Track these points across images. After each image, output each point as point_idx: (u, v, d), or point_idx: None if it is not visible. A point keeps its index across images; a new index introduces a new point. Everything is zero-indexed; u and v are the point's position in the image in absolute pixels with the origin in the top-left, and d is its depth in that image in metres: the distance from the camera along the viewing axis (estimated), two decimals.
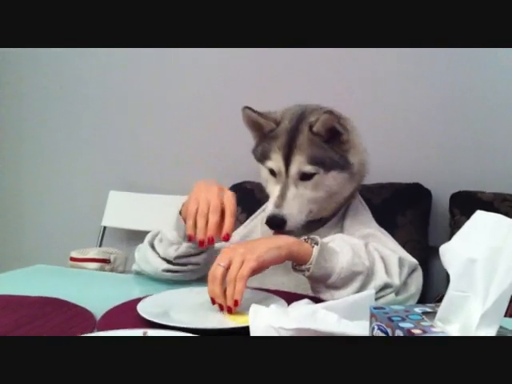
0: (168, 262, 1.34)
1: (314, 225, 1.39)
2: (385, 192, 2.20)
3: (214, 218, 1.14)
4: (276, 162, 1.36)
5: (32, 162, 3.14)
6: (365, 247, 1.18)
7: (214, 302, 1.07)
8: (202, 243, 1.14)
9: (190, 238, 1.18)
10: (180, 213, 1.31)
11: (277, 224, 1.31)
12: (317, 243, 1.12)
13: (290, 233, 1.30)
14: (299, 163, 1.33)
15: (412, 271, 1.23)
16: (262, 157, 1.41)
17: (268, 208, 1.35)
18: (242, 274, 1.04)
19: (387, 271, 1.16)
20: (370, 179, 2.15)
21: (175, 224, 1.33)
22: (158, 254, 1.36)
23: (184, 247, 1.31)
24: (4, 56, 3.06)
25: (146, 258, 1.39)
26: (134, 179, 2.89)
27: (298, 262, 1.12)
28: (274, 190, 1.37)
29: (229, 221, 1.15)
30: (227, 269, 1.05)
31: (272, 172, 1.39)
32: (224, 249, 1.11)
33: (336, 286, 1.12)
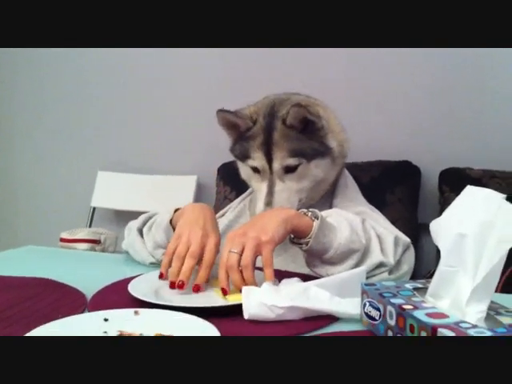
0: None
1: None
2: (374, 170, 2.20)
3: (188, 264, 1.09)
4: (258, 160, 1.36)
5: (21, 143, 3.12)
6: (361, 224, 1.18)
7: (226, 292, 1.03)
8: (172, 285, 1.08)
9: (161, 276, 1.13)
10: (171, 221, 1.30)
11: None
12: (317, 217, 1.11)
13: None
14: (281, 158, 1.33)
15: (405, 250, 1.24)
16: (242, 156, 1.41)
17: (258, 206, 1.34)
18: (267, 259, 1.03)
19: (382, 250, 1.16)
20: (359, 157, 2.17)
21: (165, 226, 1.30)
22: (145, 245, 1.36)
23: None
24: None
25: (134, 247, 1.39)
26: (122, 159, 2.88)
27: (297, 236, 1.12)
28: (260, 187, 1.37)
29: (203, 272, 1.09)
30: (240, 254, 1.03)
31: (255, 169, 1.39)
32: (231, 234, 1.09)
33: (332, 262, 1.13)
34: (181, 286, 1.06)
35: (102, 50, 2.81)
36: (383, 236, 1.19)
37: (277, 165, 1.34)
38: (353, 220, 1.18)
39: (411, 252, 1.26)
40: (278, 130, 1.34)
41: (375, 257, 1.14)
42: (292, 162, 1.33)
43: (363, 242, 1.14)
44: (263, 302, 0.90)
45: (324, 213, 1.18)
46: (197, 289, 1.07)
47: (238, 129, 1.41)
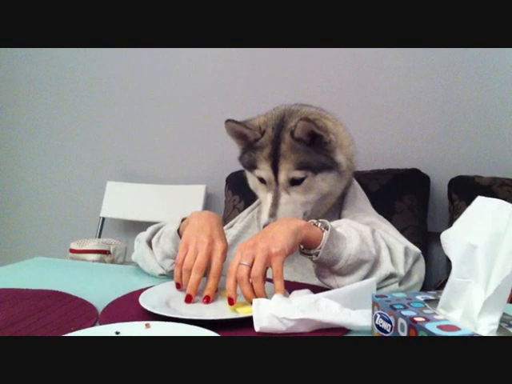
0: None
1: None
2: (383, 178, 2.19)
3: (194, 278, 1.09)
4: (265, 171, 1.36)
5: (30, 153, 3.13)
6: (372, 234, 1.17)
7: (232, 302, 1.03)
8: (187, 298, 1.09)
9: (178, 286, 1.14)
10: (178, 231, 1.30)
11: None
12: (327, 228, 1.11)
13: None
14: (287, 170, 1.33)
15: (415, 261, 1.23)
16: (249, 166, 1.41)
17: (262, 218, 1.35)
18: (277, 271, 1.02)
19: (392, 260, 1.16)
20: (368, 166, 2.17)
21: (173, 236, 1.31)
22: (154, 256, 1.37)
23: None
24: None
25: (144, 258, 1.40)
26: (131, 169, 2.89)
27: (307, 246, 1.11)
28: (265, 198, 1.37)
29: (211, 282, 1.10)
30: (251, 266, 1.03)
31: (261, 180, 1.39)
32: (241, 245, 1.08)
33: (342, 273, 1.12)
34: (188, 300, 1.07)
35: (113, 61, 2.84)
36: (393, 246, 1.19)
37: (283, 176, 1.34)
38: (363, 231, 1.17)
39: (421, 263, 1.25)
40: (286, 141, 1.34)
41: (385, 268, 1.13)
42: (298, 174, 1.33)
43: (373, 252, 1.13)
44: (274, 314, 0.90)
45: (334, 223, 1.18)
46: (207, 300, 1.08)
47: (247, 139, 1.41)
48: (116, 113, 2.91)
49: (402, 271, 1.15)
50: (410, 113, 2.32)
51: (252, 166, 1.40)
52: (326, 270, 1.14)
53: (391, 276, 1.14)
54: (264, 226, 1.29)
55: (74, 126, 3.00)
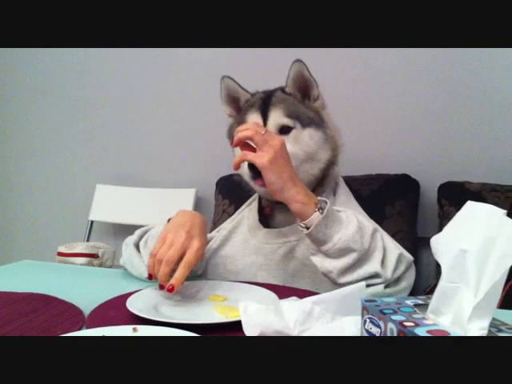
0: None
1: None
2: (373, 183, 2.20)
3: (163, 271, 1.10)
4: (254, 119, 1.37)
5: (18, 156, 3.12)
6: (372, 231, 1.17)
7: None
8: (161, 287, 1.11)
9: (150, 277, 1.15)
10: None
11: (256, 172, 1.25)
12: (322, 208, 1.11)
13: None
14: (277, 117, 1.35)
15: (407, 268, 1.23)
16: (238, 125, 1.41)
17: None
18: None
19: (383, 262, 1.16)
20: (359, 170, 2.17)
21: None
22: (142, 258, 1.36)
23: None
24: None
25: (131, 261, 1.39)
26: (121, 172, 2.88)
27: (301, 217, 1.12)
28: None
29: (179, 272, 1.10)
30: None
31: None
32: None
33: (328, 254, 1.12)
34: (161, 288, 1.10)
35: (102, 64, 2.83)
36: (388, 249, 1.19)
37: (272, 121, 1.35)
38: (366, 225, 1.17)
39: (412, 270, 1.25)
40: (277, 95, 1.38)
41: (372, 266, 1.14)
42: (287, 121, 1.35)
43: (365, 245, 1.13)
44: (267, 325, 0.88)
45: (341, 208, 1.20)
46: (171, 289, 1.07)
47: (238, 103, 1.45)
48: (106, 116, 2.90)
49: (388, 274, 1.15)
50: (399, 118, 2.33)
51: (241, 123, 1.39)
52: (316, 248, 1.14)
53: (376, 276, 1.14)
54: (249, 165, 1.27)
55: (63, 128, 2.99)
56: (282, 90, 1.39)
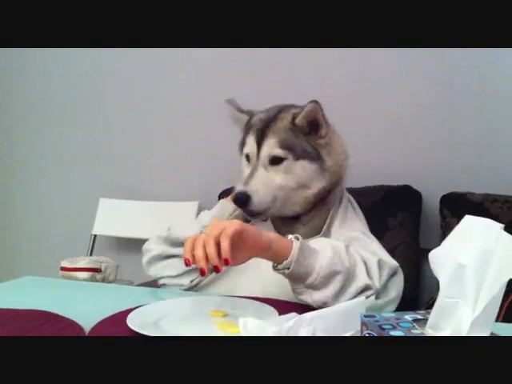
0: None
1: (289, 221, 1.40)
2: (375, 194, 2.20)
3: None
4: (250, 145, 1.38)
5: (22, 169, 3.13)
6: (345, 249, 1.18)
7: (188, 263, 1.06)
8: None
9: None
10: None
11: (242, 200, 1.30)
12: (297, 238, 1.12)
13: (257, 214, 1.34)
14: (270, 146, 1.34)
15: (392, 274, 1.23)
16: (241, 145, 1.44)
17: (236, 186, 1.35)
18: (225, 232, 1.03)
19: (368, 273, 1.16)
20: (360, 182, 2.17)
21: (216, 209, 1.44)
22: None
23: None
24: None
25: (188, 225, 1.43)
26: (124, 186, 2.88)
27: (276, 259, 1.11)
28: (244, 172, 1.39)
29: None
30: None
31: (247, 158, 1.41)
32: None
33: (315, 286, 1.12)
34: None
35: (106, 74, 2.84)
36: (367, 260, 1.20)
37: (264, 151, 1.35)
38: (336, 245, 1.18)
39: (399, 277, 1.25)
40: (283, 121, 1.37)
41: (360, 280, 1.14)
42: (279, 152, 1.34)
43: (346, 264, 1.14)
44: None
45: (310, 240, 1.20)
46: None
47: (243, 122, 1.45)
48: (109, 130, 2.91)
49: (377, 284, 1.16)
50: (401, 128, 2.33)
51: (242, 145, 1.43)
52: (301, 285, 1.14)
53: (367, 288, 1.15)
54: (235, 195, 1.31)
55: (66, 142, 3.00)
56: (294, 117, 1.36)
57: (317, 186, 1.38)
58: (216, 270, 1.04)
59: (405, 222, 2.15)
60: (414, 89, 2.29)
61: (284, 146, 1.34)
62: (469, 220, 0.81)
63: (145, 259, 1.45)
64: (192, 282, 1.40)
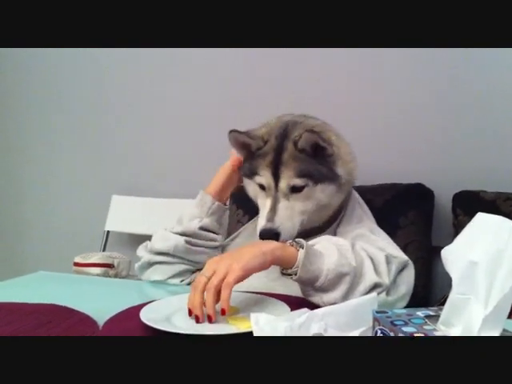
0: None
1: (309, 233, 1.39)
2: (387, 193, 2.19)
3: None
4: (265, 178, 1.38)
5: (34, 166, 3.14)
6: (351, 248, 1.19)
7: (191, 313, 1.04)
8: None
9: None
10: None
11: (270, 238, 1.29)
12: (302, 246, 1.12)
13: None
14: (288, 178, 1.35)
15: (402, 269, 1.23)
16: (250, 173, 1.43)
17: (260, 223, 1.35)
18: (227, 281, 1.03)
19: (376, 270, 1.16)
20: (372, 180, 2.16)
21: (197, 202, 1.55)
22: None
23: (208, 220, 1.47)
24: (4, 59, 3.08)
25: (165, 237, 1.49)
26: (136, 183, 2.89)
27: (284, 266, 1.13)
28: (264, 204, 1.38)
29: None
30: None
31: (261, 186, 1.41)
32: (210, 259, 1.10)
33: (324, 289, 1.13)
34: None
35: (118, 75, 2.85)
36: (374, 256, 1.20)
37: (283, 183, 1.35)
38: (342, 245, 1.19)
39: (409, 271, 1.25)
40: (289, 151, 1.36)
41: (369, 278, 1.15)
42: (298, 182, 1.34)
43: (353, 264, 1.14)
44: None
45: (312, 241, 1.20)
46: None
47: (249, 148, 1.44)
48: (121, 126, 2.92)
49: (386, 280, 1.16)
50: (413, 127, 2.31)
51: (252, 173, 1.42)
52: (310, 288, 1.15)
53: (376, 286, 1.15)
54: (262, 232, 1.32)
55: (79, 139, 3.01)
56: (295, 144, 1.35)
57: (337, 201, 1.42)
58: (209, 319, 1.03)
59: (417, 220, 2.14)
60: (426, 87, 2.28)
61: (301, 174, 1.34)
62: (481, 217, 0.81)
63: (136, 266, 1.52)
64: (182, 281, 1.47)
